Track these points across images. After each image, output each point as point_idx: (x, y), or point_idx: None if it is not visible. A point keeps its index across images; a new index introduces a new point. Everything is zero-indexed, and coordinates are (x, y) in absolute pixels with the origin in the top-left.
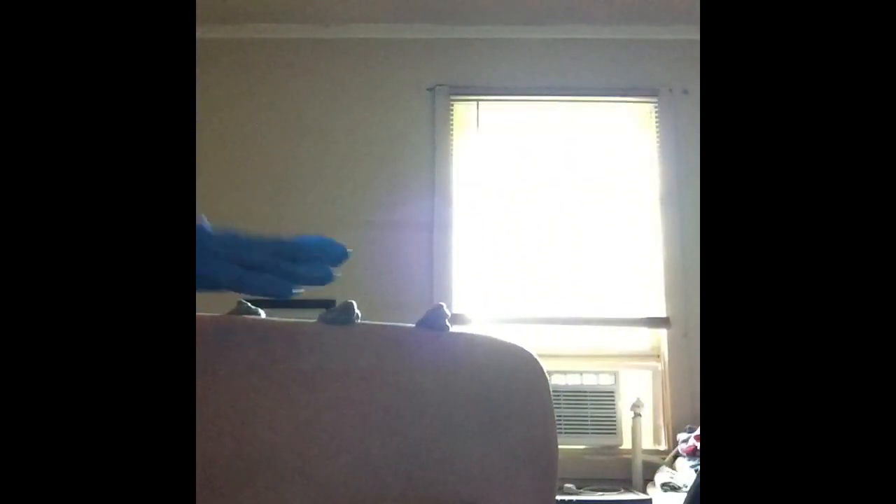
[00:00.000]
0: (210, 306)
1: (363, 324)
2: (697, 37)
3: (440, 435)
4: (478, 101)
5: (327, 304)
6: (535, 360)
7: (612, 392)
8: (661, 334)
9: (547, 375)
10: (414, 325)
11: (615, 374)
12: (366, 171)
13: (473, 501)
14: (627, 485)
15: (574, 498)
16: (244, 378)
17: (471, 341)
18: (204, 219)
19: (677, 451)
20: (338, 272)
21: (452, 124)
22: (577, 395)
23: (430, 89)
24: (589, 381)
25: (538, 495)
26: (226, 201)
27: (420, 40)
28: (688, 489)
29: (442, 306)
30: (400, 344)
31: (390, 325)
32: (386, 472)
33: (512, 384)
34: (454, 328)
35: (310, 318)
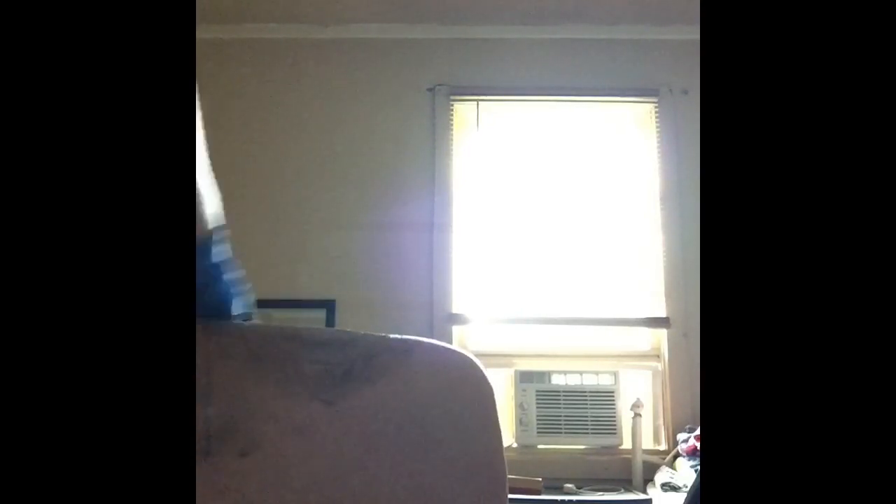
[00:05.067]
0: None
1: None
2: (697, 37)
3: (365, 456)
4: (478, 101)
5: (328, 304)
6: (476, 367)
7: (612, 392)
8: (661, 334)
9: (490, 383)
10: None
11: (615, 374)
12: (366, 171)
13: None
14: (627, 485)
15: (574, 498)
16: None
17: (403, 349)
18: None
19: (677, 451)
20: (339, 274)
21: (452, 124)
22: (577, 395)
23: (430, 89)
24: (589, 381)
25: None
26: (225, 201)
27: (420, 40)
28: (688, 489)
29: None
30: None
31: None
32: (307, 495)
33: (448, 397)
34: (396, 335)
35: (311, 316)
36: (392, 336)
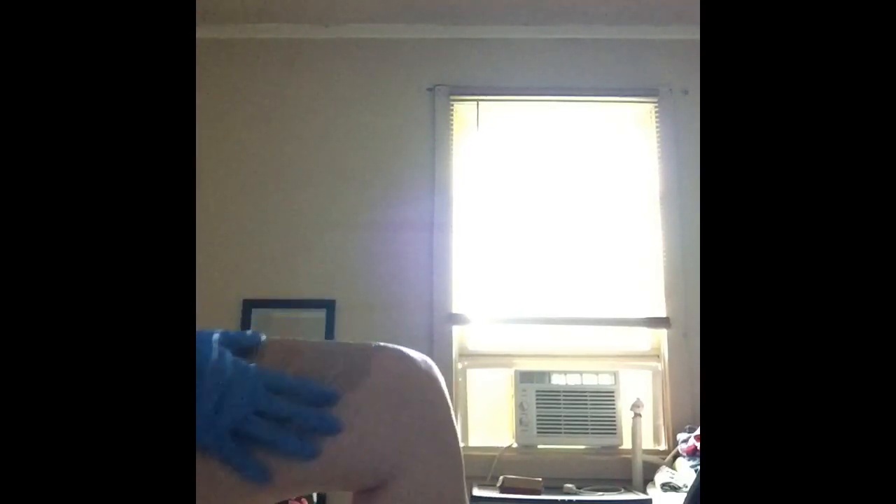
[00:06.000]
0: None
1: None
2: (697, 37)
3: (356, 422)
4: (478, 101)
5: (328, 304)
6: (429, 363)
7: (612, 392)
8: (661, 334)
9: (439, 375)
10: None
11: (615, 374)
12: (366, 171)
13: (388, 472)
14: (627, 485)
15: (574, 498)
16: None
17: (382, 353)
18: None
19: (677, 451)
20: (339, 274)
21: (452, 124)
22: (577, 395)
23: (430, 89)
24: (589, 381)
25: (441, 466)
26: (225, 201)
27: (420, 40)
28: (688, 489)
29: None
30: (330, 354)
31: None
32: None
33: (411, 381)
34: (373, 342)
35: (311, 316)
36: (363, 343)
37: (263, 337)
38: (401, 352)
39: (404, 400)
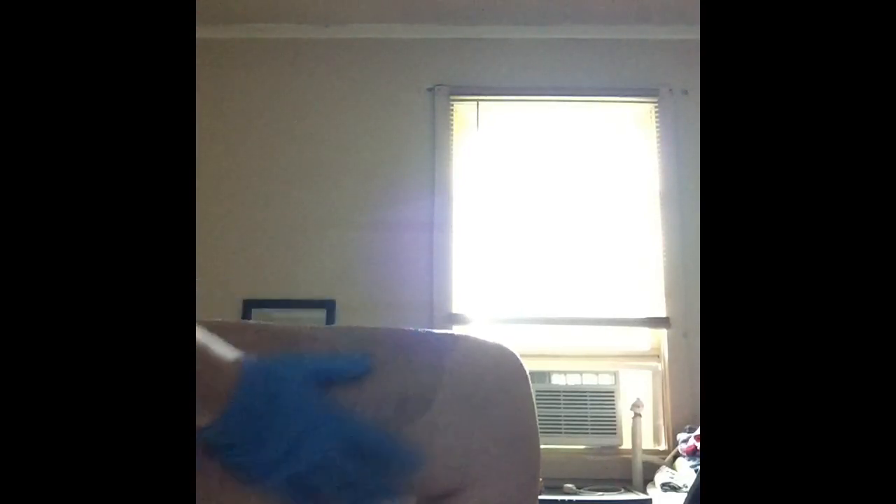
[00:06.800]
0: (212, 310)
1: (363, 327)
2: (697, 37)
3: (447, 427)
4: (478, 101)
5: (328, 304)
6: (516, 356)
7: (612, 392)
8: (661, 334)
9: (526, 370)
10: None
11: (615, 374)
12: (366, 171)
13: (459, 481)
14: (627, 485)
15: (574, 498)
16: None
17: (457, 343)
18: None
19: (677, 451)
20: (339, 274)
21: (452, 124)
22: (577, 395)
23: (430, 89)
24: (589, 381)
25: (517, 479)
26: (225, 201)
27: (420, 40)
28: (688, 489)
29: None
30: (397, 347)
31: (387, 329)
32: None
33: (495, 380)
34: (444, 329)
35: (311, 316)
36: (442, 333)
37: (368, 361)
38: (483, 345)
39: (484, 402)
